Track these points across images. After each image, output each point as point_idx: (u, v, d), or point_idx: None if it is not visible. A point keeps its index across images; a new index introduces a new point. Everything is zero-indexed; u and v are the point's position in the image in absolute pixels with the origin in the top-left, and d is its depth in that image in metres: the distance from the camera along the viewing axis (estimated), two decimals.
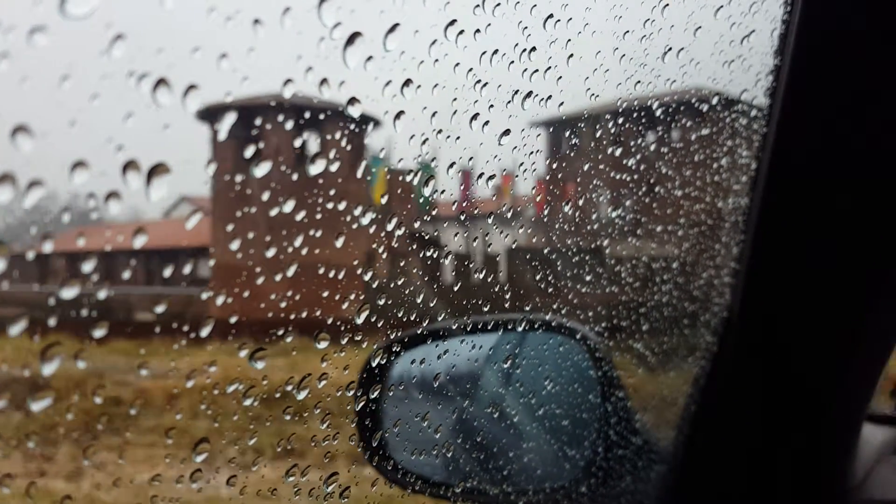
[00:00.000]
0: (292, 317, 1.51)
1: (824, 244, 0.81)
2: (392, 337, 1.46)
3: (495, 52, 1.35)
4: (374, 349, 1.45)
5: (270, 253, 1.55)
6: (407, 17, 1.11)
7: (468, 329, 1.50)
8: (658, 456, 1.30)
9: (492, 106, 1.43)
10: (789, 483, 0.91)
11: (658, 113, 2.38)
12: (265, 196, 1.43)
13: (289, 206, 1.53)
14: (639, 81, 1.85)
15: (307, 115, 1.45)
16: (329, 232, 1.82)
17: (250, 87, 1.25)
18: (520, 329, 1.56)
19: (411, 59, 1.19)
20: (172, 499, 1.25)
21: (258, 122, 1.39)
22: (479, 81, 1.36)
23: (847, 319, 0.80)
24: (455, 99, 1.37)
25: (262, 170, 1.34)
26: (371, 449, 1.42)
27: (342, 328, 1.45)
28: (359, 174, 2.08)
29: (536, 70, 1.45)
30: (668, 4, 1.68)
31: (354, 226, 1.75)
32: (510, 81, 1.43)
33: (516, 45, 1.39)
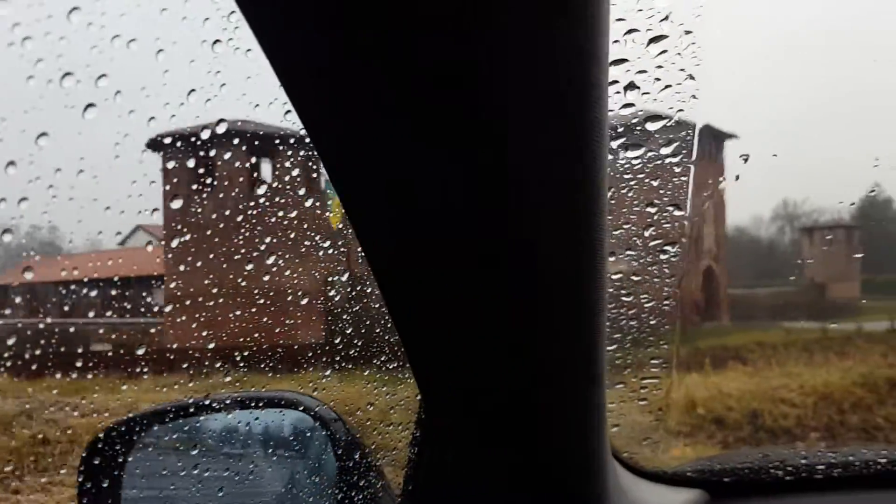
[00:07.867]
0: (246, 345, 1.48)
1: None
2: (117, 421, 1.38)
3: None
4: (95, 437, 1.37)
5: (224, 280, 1.53)
6: None
7: (200, 408, 1.45)
8: None
9: None
10: None
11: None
12: (219, 223, 1.42)
13: (242, 233, 1.51)
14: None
15: (258, 141, 1.44)
16: (285, 259, 1.80)
17: (196, 113, 1.18)
18: (251, 407, 1.52)
19: None
20: None
21: (208, 149, 1.38)
22: None
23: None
24: None
25: (211, 201, 1.32)
26: None
27: (296, 356, 1.42)
28: (314, 200, 2.07)
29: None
30: None
31: (312, 252, 1.73)
32: None
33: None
